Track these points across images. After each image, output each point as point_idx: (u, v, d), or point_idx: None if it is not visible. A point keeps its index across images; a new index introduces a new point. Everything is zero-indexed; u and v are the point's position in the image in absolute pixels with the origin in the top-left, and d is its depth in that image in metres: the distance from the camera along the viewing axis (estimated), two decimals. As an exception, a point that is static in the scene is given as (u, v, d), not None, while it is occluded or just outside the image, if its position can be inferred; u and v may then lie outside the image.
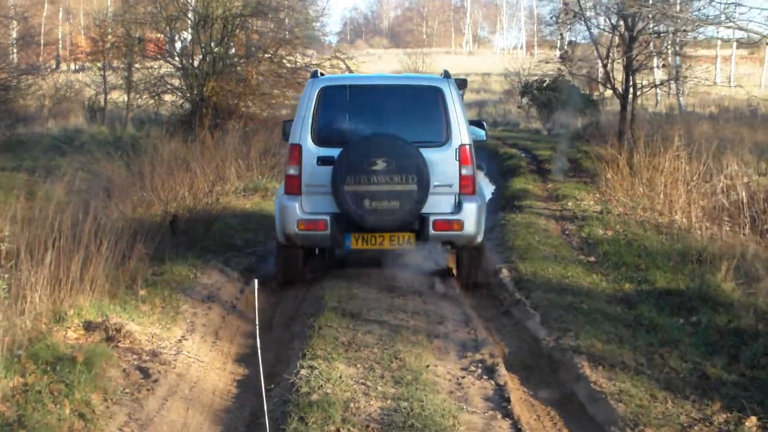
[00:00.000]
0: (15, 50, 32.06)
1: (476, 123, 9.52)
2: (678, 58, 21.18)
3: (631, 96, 18.09)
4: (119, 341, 6.05)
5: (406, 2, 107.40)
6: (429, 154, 8.10)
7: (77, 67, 48.87)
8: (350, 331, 6.56)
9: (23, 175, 17.55)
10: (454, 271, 8.90)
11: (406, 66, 54.76)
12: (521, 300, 7.64)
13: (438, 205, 8.20)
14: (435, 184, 8.10)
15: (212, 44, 23.71)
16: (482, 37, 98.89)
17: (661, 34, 18.15)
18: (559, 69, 34.67)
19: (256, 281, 6.87)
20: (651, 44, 18.85)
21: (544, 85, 37.42)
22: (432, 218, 8.14)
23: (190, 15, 24.14)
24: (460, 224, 8.18)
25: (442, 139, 8.34)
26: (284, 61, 24.99)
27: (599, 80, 20.02)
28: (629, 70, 17.92)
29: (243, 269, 8.84)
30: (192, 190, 13.26)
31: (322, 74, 9.09)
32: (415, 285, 8.34)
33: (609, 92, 40.18)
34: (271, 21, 25.50)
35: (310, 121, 8.28)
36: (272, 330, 7.23)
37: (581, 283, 8.21)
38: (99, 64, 32.76)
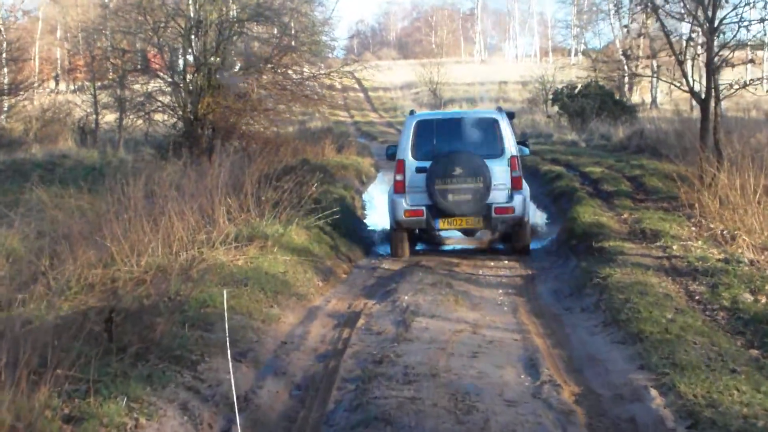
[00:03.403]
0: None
1: (521, 143, 13.15)
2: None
3: (713, 100, 14.63)
4: None
5: (413, 12, 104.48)
6: (490, 163, 11.60)
7: (76, 87, 45.78)
8: None
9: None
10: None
11: (420, 76, 51.62)
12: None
13: (497, 197, 11.66)
14: (494, 183, 11.55)
15: (207, 54, 20.38)
16: (492, 45, 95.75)
17: (752, 22, 14.67)
18: (589, 75, 31.31)
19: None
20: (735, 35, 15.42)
21: (576, 91, 33.88)
22: (494, 206, 11.61)
23: (180, 22, 20.74)
24: (512, 209, 11.67)
25: (498, 153, 11.87)
26: (289, 71, 21.70)
27: (673, 82, 16.52)
28: (710, 67, 14.51)
29: (221, 397, 5.30)
30: (167, 241, 9.92)
31: (415, 112, 12.73)
32: (507, 420, 4.95)
33: (635, 98, 36.64)
34: (273, 26, 22.17)
35: (410, 143, 11.90)
36: None
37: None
38: (97, 83, 29.55)
